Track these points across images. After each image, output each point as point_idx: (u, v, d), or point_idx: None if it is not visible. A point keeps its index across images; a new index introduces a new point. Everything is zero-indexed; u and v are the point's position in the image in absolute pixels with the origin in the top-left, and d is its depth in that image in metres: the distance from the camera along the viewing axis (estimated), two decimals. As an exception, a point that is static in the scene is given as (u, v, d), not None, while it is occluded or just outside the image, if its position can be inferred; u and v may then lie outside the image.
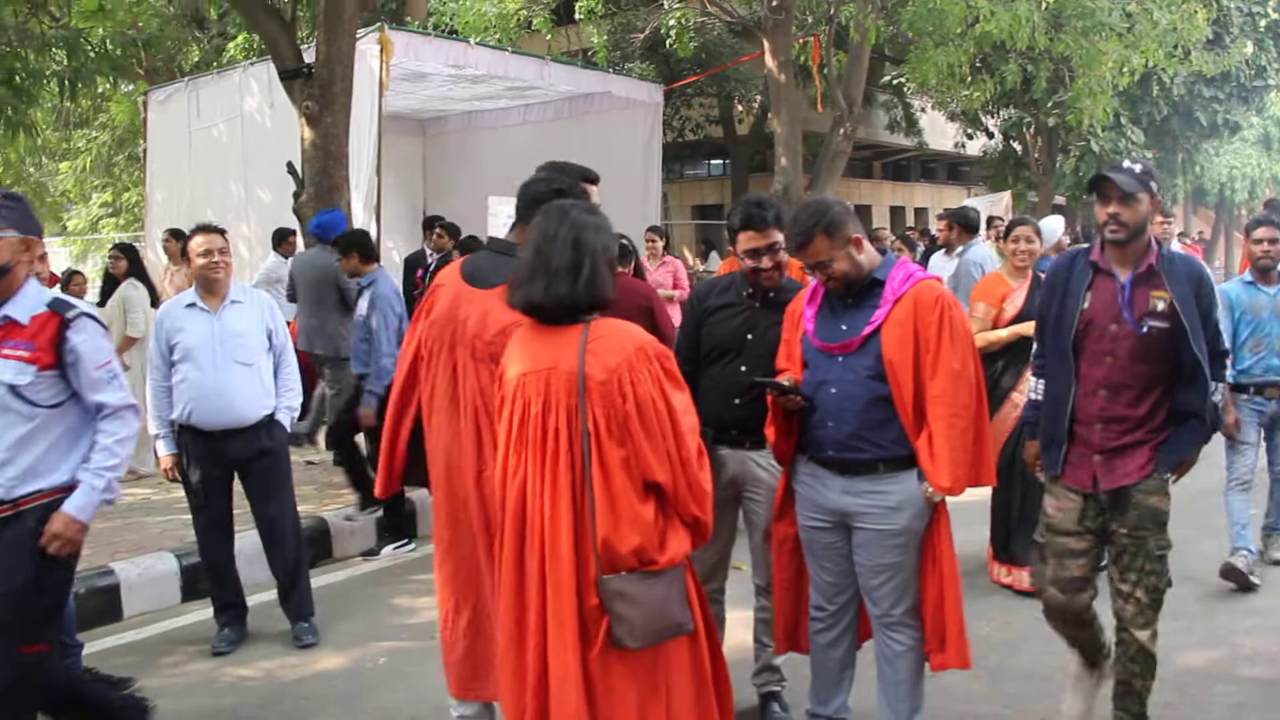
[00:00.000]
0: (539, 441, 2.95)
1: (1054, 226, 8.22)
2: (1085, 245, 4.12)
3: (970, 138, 26.62)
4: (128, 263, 8.62)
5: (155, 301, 8.35)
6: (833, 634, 3.85)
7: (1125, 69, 15.21)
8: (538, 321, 3.04)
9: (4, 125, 7.43)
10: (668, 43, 16.93)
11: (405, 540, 6.90)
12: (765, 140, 25.00)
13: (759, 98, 23.01)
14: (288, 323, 5.90)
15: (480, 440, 3.43)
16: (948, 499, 3.58)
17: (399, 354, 3.85)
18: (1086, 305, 3.79)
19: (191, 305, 5.21)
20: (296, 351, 7.50)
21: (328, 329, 7.98)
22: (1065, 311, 3.84)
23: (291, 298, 8.35)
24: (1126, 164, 3.80)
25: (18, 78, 7.42)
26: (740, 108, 24.97)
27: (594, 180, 3.78)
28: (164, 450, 5.22)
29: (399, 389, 3.73)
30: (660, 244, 10.62)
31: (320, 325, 8.03)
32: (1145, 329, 3.69)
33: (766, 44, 14.60)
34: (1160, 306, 3.69)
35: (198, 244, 5.21)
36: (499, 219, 8.84)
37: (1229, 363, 5.42)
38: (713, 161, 32.11)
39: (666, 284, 10.09)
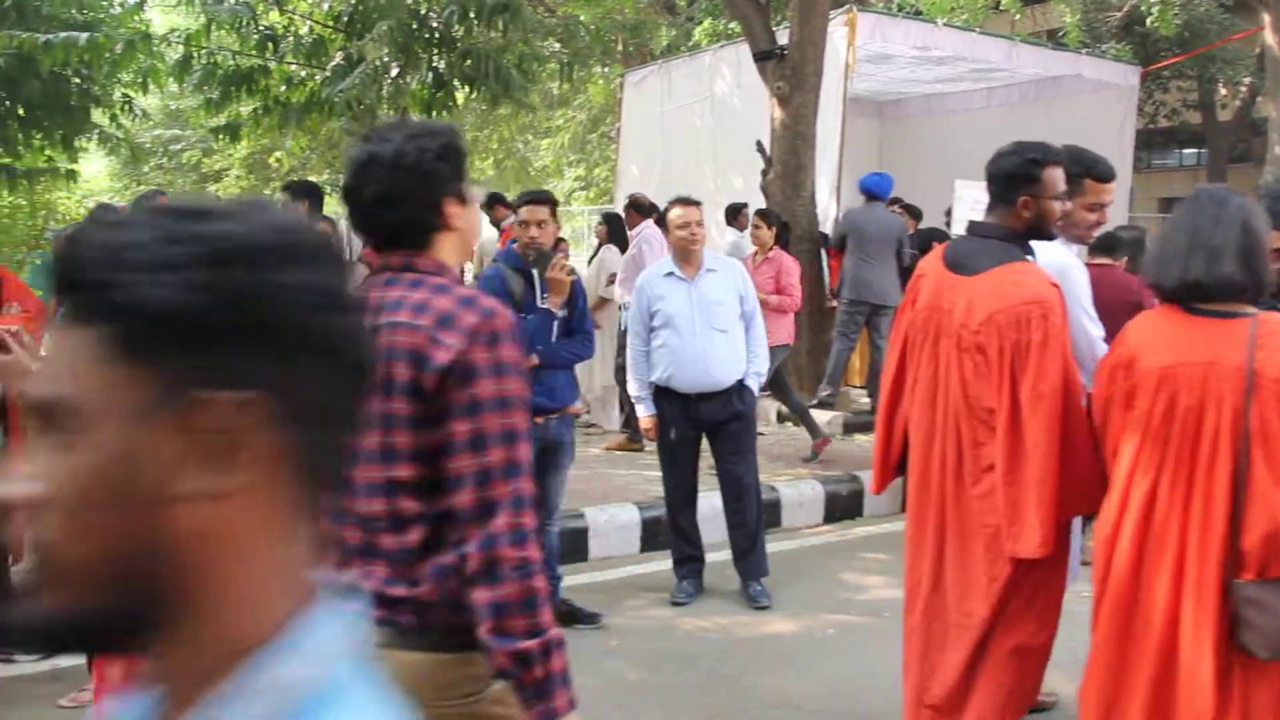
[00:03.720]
0: (1184, 438, 2.79)
1: None
2: None
3: None
4: (608, 229, 9.27)
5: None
6: None
7: None
8: (1183, 310, 2.86)
9: (512, 106, 8.18)
10: (1148, 21, 15.82)
11: None
12: (1252, 127, 22.78)
13: (1249, 79, 20.95)
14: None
15: (960, 435, 3.37)
16: None
17: (889, 344, 3.84)
18: None
19: (670, 274, 5.50)
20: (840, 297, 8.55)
21: (885, 280, 8.76)
22: None
23: (840, 247, 9.00)
24: None
25: (524, 63, 8.16)
26: (1225, 91, 22.84)
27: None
28: (644, 412, 5.56)
29: (891, 380, 3.72)
30: (769, 233, 8.20)
31: (877, 276, 8.76)
32: None
33: (1267, 18, 13.26)
34: None
35: (676, 215, 5.48)
36: (965, 203, 8.65)
37: None
38: (1185, 150, 29.68)
39: (766, 286, 7.66)
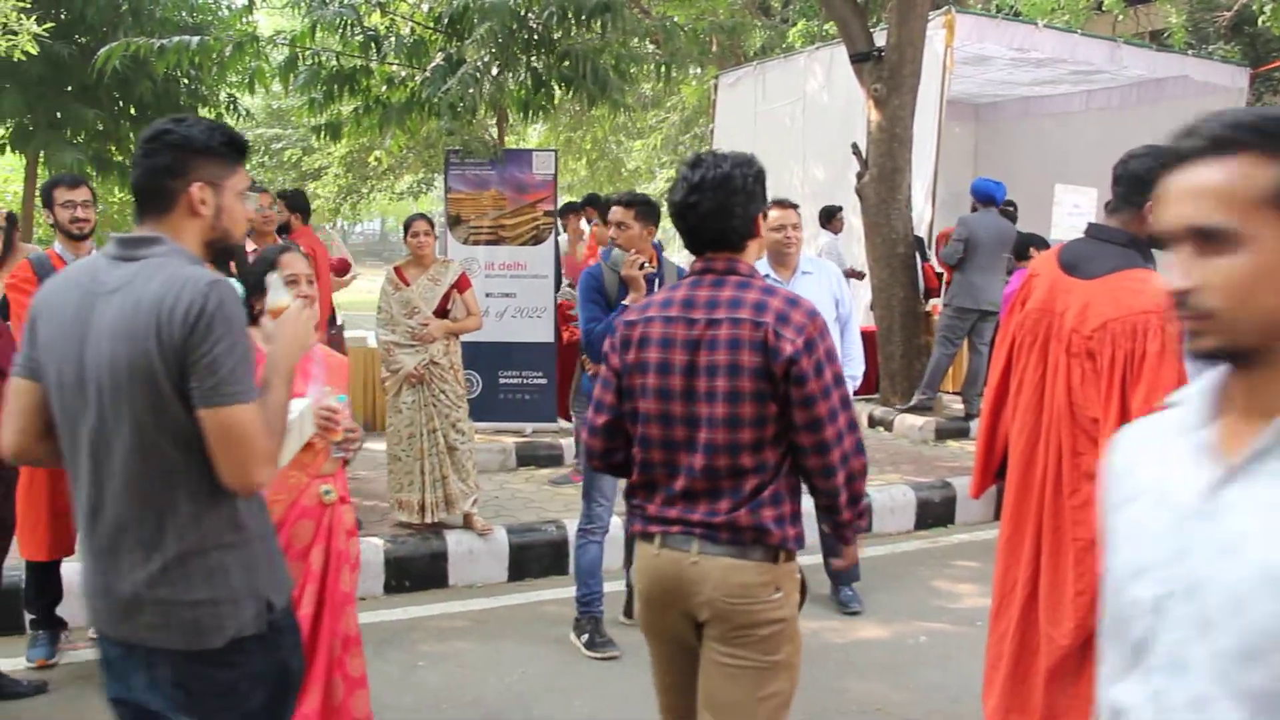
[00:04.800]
0: None
1: None
2: None
3: None
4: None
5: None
6: None
7: None
8: None
9: (609, 107, 8.23)
10: (1259, 20, 15.32)
11: None
12: (1366, 132, 21.97)
13: (1365, 83, 20.23)
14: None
15: (1060, 446, 3.28)
16: None
17: (996, 346, 3.77)
18: None
19: (765, 276, 5.47)
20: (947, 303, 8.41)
21: (993, 286, 8.76)
22: None
23: (953, 260, 9.04)
24: None
25: (621, 64, 8.20)
26: (1338, 94, 22.08)
27: None
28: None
29: (996, 382, 3.64)
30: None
31: (987, 282, 8.80)
32: None
33: (1386, 20, 12.78)
34: None
35: (773, 218, 5.44)
36: (1064, 207, 8.52)
37: None
38: (1294, 155, 28.72)
39: None
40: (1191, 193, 1.26)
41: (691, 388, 2.66)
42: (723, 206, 2.70)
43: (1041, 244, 7.82)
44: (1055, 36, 11.81)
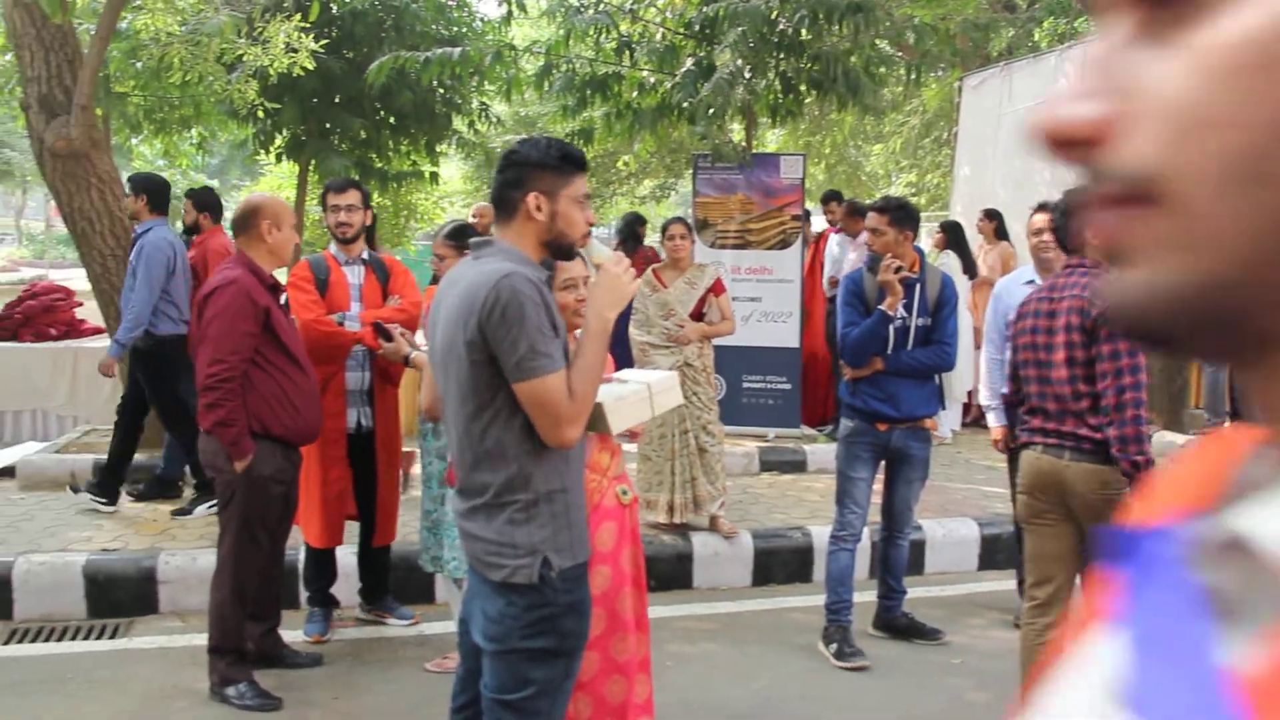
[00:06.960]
0: None
1: None
2: None
3: None
4: (946, 236, 9.09)
5: (972, 273, 8.77)
6: None
7: None
8: None
9: (860, 109, 8.14)
10: None
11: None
12: None
13: None
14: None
15: None
16: None
17: None
18: None
19: (1029, 283, 5.30)
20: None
21: None
22: None
23: None
24: None
25: (870, 66, 8.10)
26: None
27: None
28: (995, 421, 5.37)
29: None
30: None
31: None
32: None
33: None
34: None
35: (1036, 221, 5.28)
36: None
37: None
38: None
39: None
40: None
41: (1050, 343, 3.92)
42: (1064, 224, 4.32)
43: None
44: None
